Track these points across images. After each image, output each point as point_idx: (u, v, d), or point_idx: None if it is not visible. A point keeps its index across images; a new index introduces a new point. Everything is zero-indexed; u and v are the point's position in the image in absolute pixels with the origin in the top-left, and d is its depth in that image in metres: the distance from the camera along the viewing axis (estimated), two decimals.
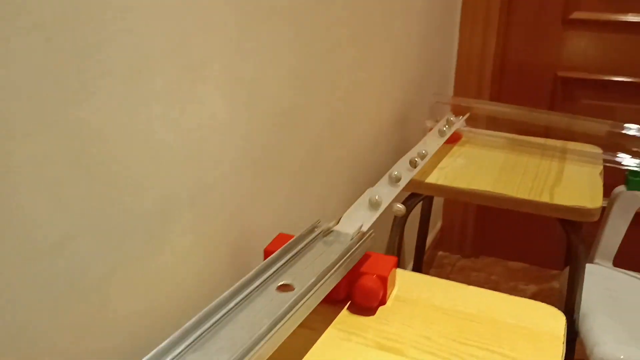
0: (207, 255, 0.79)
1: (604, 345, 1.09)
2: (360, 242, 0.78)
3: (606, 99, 1.85)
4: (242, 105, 0.80)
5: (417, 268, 1.69)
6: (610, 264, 1.39)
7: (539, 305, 0.79)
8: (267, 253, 0.80)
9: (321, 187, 1.09)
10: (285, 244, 0.76)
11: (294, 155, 0.97)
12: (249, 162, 0.84)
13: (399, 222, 1.24)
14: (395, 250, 1.27)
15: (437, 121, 1.41)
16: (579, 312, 1.17)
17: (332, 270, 0.71)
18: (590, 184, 1.19)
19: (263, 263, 0.71)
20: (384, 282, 0.76)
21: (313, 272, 0.71)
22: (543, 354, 0.70)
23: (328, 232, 0.81)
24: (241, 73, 0.79)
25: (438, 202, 2.11)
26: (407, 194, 1.24)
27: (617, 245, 1.38)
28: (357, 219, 0.85)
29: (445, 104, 1.50)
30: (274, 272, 0.71)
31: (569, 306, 1.17)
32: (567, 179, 1.21)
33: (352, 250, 0.76)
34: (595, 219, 1.10)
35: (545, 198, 1.12)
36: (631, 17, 1.74)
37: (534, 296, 1.92)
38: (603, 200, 1.16)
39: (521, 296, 0.81)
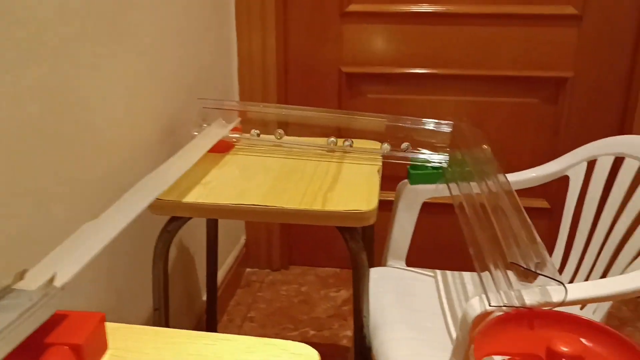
0: None
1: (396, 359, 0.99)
2: (43, 300, 0.57)
3: (392, 92, 1.82)
4: None
5: (211, 297, 1.51)
6: (403, 264, 1.32)
7: (292, 346, 0.65)
8: None
9: (48, 228, 0.86)
10: None
11: None
12: None
13: (160, 254, 1.05)
14: (162, 288, 1.07)
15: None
16: (368, 326, 1.07)
17: None
18: (367, 184, 1.09)
19: None
20: (79, 353, 0.57)
21: None
22: None
23: (6, 292, 0.60)
24: None
25: None
26: (164, 218, 1.05)
27: (408, 244, 1.31)
28: (54, 268, 0.64)
29: (220, 110, 1.34)
30: None
31: (358, 321, 1.06)
32: (343, 181, 1.10)
33: (29, 314, 0.55)
34: (372, 221, 1.00)
35: (317, 206, 0.99)
36: (406, 8, 1.72)
37: (346, 302, 1.83)
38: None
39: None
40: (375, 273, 1.27)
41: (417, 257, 1.40)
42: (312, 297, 1.87)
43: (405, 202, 1.29)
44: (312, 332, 1.68)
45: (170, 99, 1.31)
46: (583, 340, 0.75)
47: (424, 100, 1.81)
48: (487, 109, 1.80)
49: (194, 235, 1.52)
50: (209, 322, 1.58)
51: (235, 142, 1.27)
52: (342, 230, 1.03)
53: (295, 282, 1.97)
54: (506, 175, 1.24)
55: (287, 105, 1.29)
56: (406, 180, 1.29)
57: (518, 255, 0.83)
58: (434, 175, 1.26)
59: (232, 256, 1.88)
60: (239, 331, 1.69)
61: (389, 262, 1.31)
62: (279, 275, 2.01)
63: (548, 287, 0.85)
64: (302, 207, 0.99)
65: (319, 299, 1.86)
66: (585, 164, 1.21)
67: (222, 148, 1.23)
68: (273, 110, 1.30)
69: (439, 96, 1.81)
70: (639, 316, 1.78)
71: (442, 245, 1.95)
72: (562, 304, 0.81)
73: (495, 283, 0.85)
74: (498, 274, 0.87)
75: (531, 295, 0.83)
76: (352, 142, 1.27)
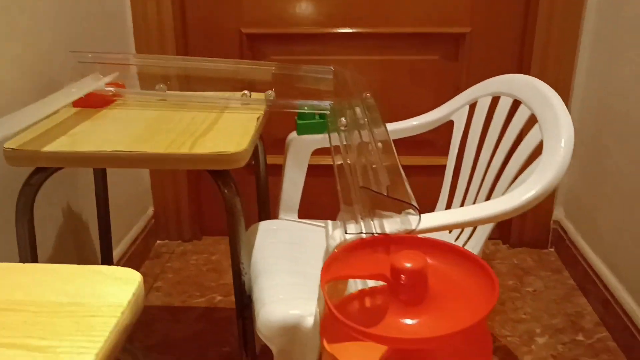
0: None
1: (271, 304, 0.97)
2: None
3: (295, 53, 1.80)
4: None
5: (107, 261, 1.46)
6: (295, 217, 1.30)
7: (115, 271, 0.61)
8: None
9: None
10: None
11: None
12: None
13: (23, 208, 0.99)
14: (28, 246, 1.02)
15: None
16: (248, 273, 1.04)
17: None
18: (242, 130, 1.06)
19: None
20: None
21: None
22: (90, 330, 0.52)
23: None
24: None
25: (144, 185, 1.89)
26: (26, 171, 0.99)
27: (299, 196, 1.29)
28: None
29: (98, 64, 1.28)
30: None
31: (236, 268, 1.03)
32: (218, 129, 1.07)
33: None
34: (242, 164, 0.97)
35: (184, 150, 0.96)
36: None
37: None
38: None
39: None
40: (264, 225, 1.24)
41: (313, 211, 1.38)
42: (222, 265, 1.84)
43: (293, 153, 1.27)
44: (219, 298, 1.65)
45: (46, 55, 1.24)
46: (430, 259, 0.74)
47: (327, 60, 1.79)
48: (389, 67, 1.79)
49: (84, 202, 1.46)
50: None
51: (112, 97, 1.22)
52: (215, 175, 1.00)
53: (206, 251, 1.93)
54: (389, 124, 1.24)
55: (169, 56, 1.24)
56: (295, 132, 1.27)
57: (372, 181, 0.82)
58: (320, 125, 1.24)
59: (138, 227, 1.82)
60: (144, 301, 1.64)
61: (281, 215, 1.30)
62: (190, 245, 1.97)
63: (408, 217, 0.84)
64: (169, 151, 0.96)
65: (229, 267, 1.83)
66: (467, 107, 1.22)
67: (98, 103, 1.18)
68: (154, 62, 1.25)
69: (342, 56, 1.79)
70: (542, 266, 1.82)
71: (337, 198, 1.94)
72: (416, 231, 0.81)
73: (355, 214, 0.84)
74: (360, 206, 0.86)
75: (390, 224, 0.82)
76: (250, 93, 1.23)
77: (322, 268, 0.72)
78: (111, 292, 0.58)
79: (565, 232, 1.84)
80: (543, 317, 1.57)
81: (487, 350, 0.68)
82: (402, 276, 0.68)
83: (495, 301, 0.65)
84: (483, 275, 0.71)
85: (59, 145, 0.97)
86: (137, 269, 1.79)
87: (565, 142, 0.90)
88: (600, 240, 1.61)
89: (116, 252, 1.66)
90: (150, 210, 1.94)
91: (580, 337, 1.49)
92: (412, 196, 0.82)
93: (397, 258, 0.70)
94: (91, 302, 0.56)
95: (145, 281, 1.74)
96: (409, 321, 0.69)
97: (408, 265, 0.68)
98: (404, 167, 1.94)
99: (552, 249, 1.91)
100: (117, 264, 1.65)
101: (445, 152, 1.89)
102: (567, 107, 1.77)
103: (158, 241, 1.98)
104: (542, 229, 1.91)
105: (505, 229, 1.94)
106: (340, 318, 0.64)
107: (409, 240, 0.79)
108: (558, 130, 0.93)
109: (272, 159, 1.64)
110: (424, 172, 1.87)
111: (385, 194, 0.79)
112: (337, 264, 0.74)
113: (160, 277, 1.77)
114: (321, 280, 0.71)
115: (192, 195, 1.94)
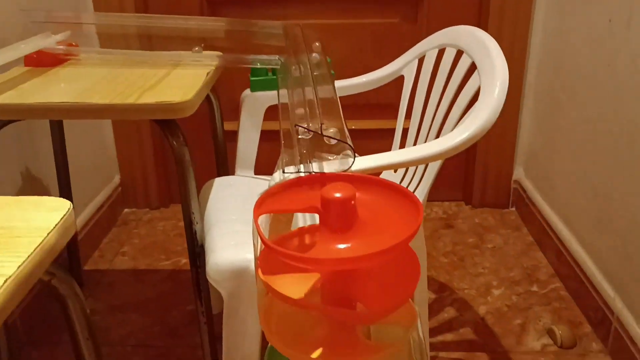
0: None
1: (221, 249, 1.00)
2: None
3: (256, 16, 1.80)
4: None
5: None
6: (251, 173, 1.32)
7: (44, 201, 0.63)
8: None
9: None
10: None
11: None
12: None
13: None
14: None
15: None
16: (200, 224, 1.06)
17: None
18: (191, 83, 1.07)
19: None
20: None
21: None
22: (15, 248, 0.54)
23: None
24: None
25: (109, 153, 1.90)
26: None
27: (255, 152, 1.31)
28: None
29: (52, 24, 1.28)
30: None
31: (187, 219, 1.05)
32: (167, 82, 1.08)
33: None
34: (188, 113, 0.99)
35: (130, 100, 0.98)
36: None
37: None
38: None
39: None
40: (220, 180, 1.27)
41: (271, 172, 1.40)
42: None
43: (247, 110, 1.29)
44: (184, 261, 1.67)
45: None
46: (361, 193, 0.77)
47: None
48: (351, 31, 1.81)
49: (44, 166, 1.47)
50: (71, 257, 1.54)
51: (64, 56, 1.22)
52: (162, 126, 1.02)
53: (174, 218, 1.95)
54: (338, 80, 1.26)
55: (121, 14, 1.25)
56: (248, 89, 1.28)
57: (308, 122, 0.84)
58: (273, 81, 1.25)
59: (103, 194, 1.83)
60: (110, 265, 1.66)
61: (238, 172, 1.32)
62: (158, 213, 1.98)
63: (348, 159, 0.87)
64: (115, 102, 0.97)
65: None
66: (416, 62, 1.24)
67: (49, 62, 1.19)
68: (107, 20, 1.26)
69: (304, 20, 1.80)
70: (502, 224, 1.87)
71: None
72: (351, 170, 0.84)
73: (294, 156, 0.87)
74: (300, 149, 0.89)
75: (328, 165, 0.84)
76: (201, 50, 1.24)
77: (256, 203, 0.74)
78: (40, 217, 0.60)
79: (524, 190, 1.88)
80: (500, 271, 1.62)
81: (415, 271, 0.71)
82: (332, 206, 0.71)
83: (419, 222, 0.68)
84: (410, 204, 0.73)
85: (5, 98, 0.98)
86: (103, 236, 1.82)
87: (499, 85, 0.93)
88: (556, 196, 1.65)
89: (80, 219, 1.67)
90: (117, 179, 1.94)
91: (534, 288, 1.54)
92: (348, 136, 0.85)
93: (327, 190, 0.72)
94: (19, 225, 0.58)
95: (111, 247, 1.76)
96: (340, 246, 0.72)
97: (337, 195, 0.71)
98: (369, 130, 1.96)
99: (513, 209, 1.96)
100: (82, 231, 1.67)
101: (408, 115, 1.92)
102: (524, 66, 1.81)
103: (125, 209, 1.99)
104: (503, 190, 1.95)
105: (467, 190, 1.98)
106: (268, 243, 0.67)
107: (343, 178, 0.82)
108: (493, 75, 0.95)
109: (232, 125, 1.66)
110: (388, 135, 1.90)
111: (321, 133, 0.81)
112: (271, 199, 0.76)
113: (127, 242, 1.78)
114: (254, 214, 0.73)
115: (158, 163, 1.95)
